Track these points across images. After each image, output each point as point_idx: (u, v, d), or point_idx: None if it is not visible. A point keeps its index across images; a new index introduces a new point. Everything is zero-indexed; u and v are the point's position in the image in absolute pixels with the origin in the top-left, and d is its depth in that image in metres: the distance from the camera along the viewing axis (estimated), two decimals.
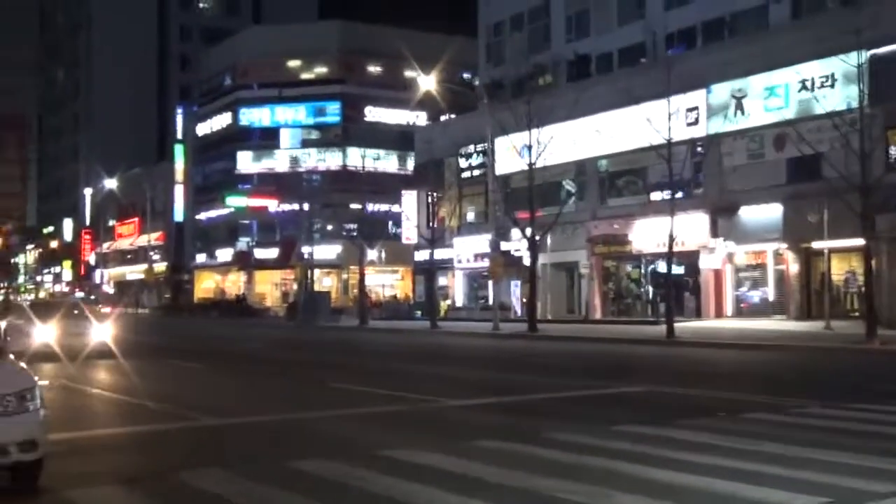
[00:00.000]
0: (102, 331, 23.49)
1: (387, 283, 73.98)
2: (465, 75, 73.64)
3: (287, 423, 11.76)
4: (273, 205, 74.28)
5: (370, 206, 71.26)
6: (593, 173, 44.22)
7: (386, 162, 75.13)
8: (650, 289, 42.43)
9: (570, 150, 43.42)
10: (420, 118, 74.95)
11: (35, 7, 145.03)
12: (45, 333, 22.40)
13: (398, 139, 73.87)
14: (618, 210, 42.86)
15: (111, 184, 78.92)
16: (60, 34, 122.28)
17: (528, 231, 37.87)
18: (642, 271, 42.79)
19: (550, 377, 18.14)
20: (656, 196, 41.14)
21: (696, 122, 38.20)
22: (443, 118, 69.90)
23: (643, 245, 41.16)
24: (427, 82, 44.34)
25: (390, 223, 70.12)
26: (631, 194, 43.07)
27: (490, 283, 50.25)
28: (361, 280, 51.68)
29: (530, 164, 37.36)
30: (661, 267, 41.31)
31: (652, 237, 40.53)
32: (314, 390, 15.97)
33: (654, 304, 40.12)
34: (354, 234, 71.46)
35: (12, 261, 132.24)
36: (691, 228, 37.69)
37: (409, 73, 77.11)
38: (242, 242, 77.20)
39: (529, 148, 37.29)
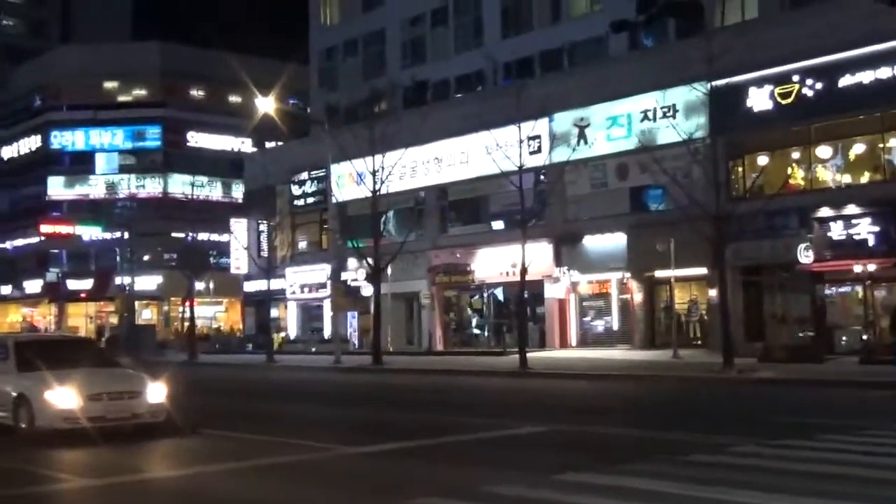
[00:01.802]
0: (156, 391, 14.13)
1: (209, 314, 71.14)
2: (292, 101, 72.03)
3: (176, 482, 10.16)
4: (82, 232, 70.18)
5: (194, 235, 68.59)
6: (433, 201, 43.50)
7: (210, 189, 72.40)
8: (491, 319, 41.98)
9: (410, 177, 42.75)
10: (245, 144, 72.87)
11: None
12: (62, 397, 13.26)
13: (223, 166, 71.45)
14: (459, 239, 42.27)
15: None
16: None
17: (370, 260, 36.94)
18: (484, 301, 42.28)
19: (430, 414, 17.02)
20: (498, 225, 40.92)
21: (538, 150, 37.96)
22: (269, 144, 68.09)
23: (485, 274, 40.71)
24: (264, 105, 42.54)
25: (213, 252, 67.56)
26: (472, 223, 42.59)
27: (326, 314, 48.94)
28: (191, 312, 49.07)
29: (373, 192, 36.24)
30: (502, 296, 41.19)
31: (494, 266, 40.17)
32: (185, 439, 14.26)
33: (500, 334, 39.58)
34: (173, 263, 68.53)
35: None
36: (535, 257, 37.23)
37: (233, 98, 75.14)
38: (52, 273, 72.56)
39: (374, 174, 36.16)
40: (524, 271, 31.53)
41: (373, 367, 34.14)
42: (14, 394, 13.89)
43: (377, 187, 36.10)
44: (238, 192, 71.58)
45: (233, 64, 71.50)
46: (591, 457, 10.87)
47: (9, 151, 78.05)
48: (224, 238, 64.45)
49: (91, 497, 9.58)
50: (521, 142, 31.77)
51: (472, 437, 13.15)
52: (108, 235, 67.67)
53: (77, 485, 10.16)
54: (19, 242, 75.26)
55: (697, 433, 12.83)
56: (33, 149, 74.73)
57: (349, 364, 35.73)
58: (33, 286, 73.65)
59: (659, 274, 34.45)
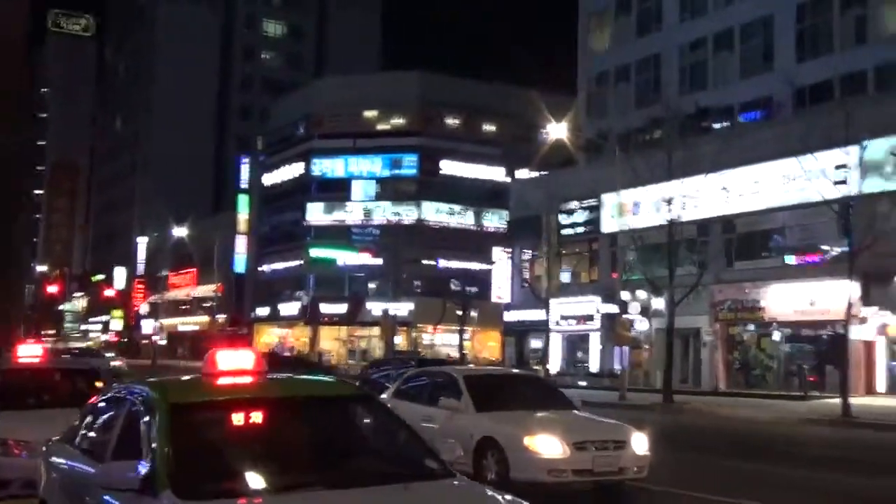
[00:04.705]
0: (640, 441, 11.87)
1: (452, 342, 70.85)
2: (544, 130, 71.07)
3: None
4: (337, 256, 71.57)
5: (443, 263, 68.86)
6: (718, 233, 41.12)
7: (462, 217, 72.52)
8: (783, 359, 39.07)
9: (693, 207, 40.52)
10: (498, 173, 72.62)
11: (93, 58, 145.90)
12: (546, 444, 11.28)
13: (475, 194, 71.41)
14: (746, 274, 39.68)
15: (181, 232, 76.55)
16: (120, 84, 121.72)
17: (643, 294, 35.88)
18: (775, 340, 39.41)
19: (843, 475, 14.76)
20: (792, 259, 38.21)
21: (844, 180, 35.03)
22: (518, 173, 67.19)
23: (777, 312, 38.02)
24: (557, 131, 41.63)
25: (454, 281, 67.38)
26: (762, 257, 39.93)
27: (593, 348, 47.42)
28: (461, 342, 48.69)
29: (670, 221, 34.48)
30: (799, 335, 38.37)
31: (787, 303, 37.50)
32: None
33: (800, 376, 36.55)
34: (419, 290, 68.86)
35: (60, 308, 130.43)
36: (838, 296, 34.41)
37: (487, 127, 75.18)
38: (305, 296, 74.44)
39: (668, 202, 34.41)
40: (849, 309, 28.85)
41: (665, 406, 32.17)
42: (476, 437, 11.70)
43: (673, 216, 34.36)
44: (489, 220, 71.43)
45: (484, 93, 72.07)
46: None
47: (271, 178, 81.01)
48: (473, 266, 64.46)
49: None
50: (855, 168, 29.02)
51: None
52: (362, 261, 68.87)
53: None
54: (277, 266, 77.80)
55: None
56: (295, 175, 77.17)
57: (636, 402, 33.86)
58: (289, 309, 75.81)
59: None
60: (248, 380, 6.40)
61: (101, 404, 7.20)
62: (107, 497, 5.59)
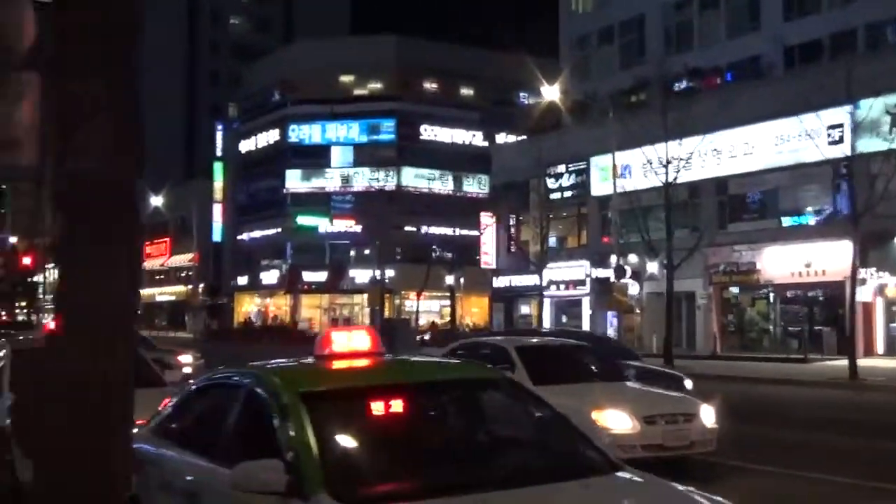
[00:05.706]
0: (708, 413, 11.43)
1: (433, 309, 70.50)
2: (523, 94, 70.28)
3: None
4: (317, 223, 71.00)
5: (424, 229, 68.43)
6: (711, 195, 40.86)
7: (442, 183, 71.91)
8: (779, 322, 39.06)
9: (685, 169, 40.14)
10: (476, 138, 72.10)
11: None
12: (616, 419, 10.80)
13: (454, 159, 70.77)
14: (740, 236, 39.48)
15: (156, 201, 75.22)
16: None
17: (634, 258, 35.82)
18: (770, 303, 39.38)
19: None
20: (788, 221, 38.06)
21: (839, 140, 34.85)
22: (498, 137, 66.75)
23: (773, 274, 37.90)
24: (546, 94, 40.97)
25: (434, 248, 66.97)
26: (756, 219, 39.73)
27: (584, 312, 47.29)
28: (453, 309, 48.29)
29: (666, 183, 34.16)
30: (795, 297, 38.36)
31: (783, 266, 37.37)
32: None
33: (801, 338, 36.50)
34: (399, 257, 68.31)
35: (31, 280, 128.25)
36: (834, 257, 34.37)
37: (465, 91, 74.42)
38: (282, 264, 73.70)
39: (666, 165, 34.08)
40: (855, 270, 28.71)
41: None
42: None
43: (669, 179, 34.08)
44: (469, 186, 70.96)
45: (462, 57, 71.22)
46: None
47: (247, 145, 79.85)
48: (455, 232, 64.15)
49: None
50: (853, 127, 28.90)
51: None
52: (345, 228, 68.41)
53: None
54: (256, 234, 76.89)
55: None
56: (271, 142, 76.11)
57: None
58: (269, 277, 75.07)
59: None
60: (369, 362, 5.77)
61: (198, 392, 6.56)
62: (243, 499, 4.81)
